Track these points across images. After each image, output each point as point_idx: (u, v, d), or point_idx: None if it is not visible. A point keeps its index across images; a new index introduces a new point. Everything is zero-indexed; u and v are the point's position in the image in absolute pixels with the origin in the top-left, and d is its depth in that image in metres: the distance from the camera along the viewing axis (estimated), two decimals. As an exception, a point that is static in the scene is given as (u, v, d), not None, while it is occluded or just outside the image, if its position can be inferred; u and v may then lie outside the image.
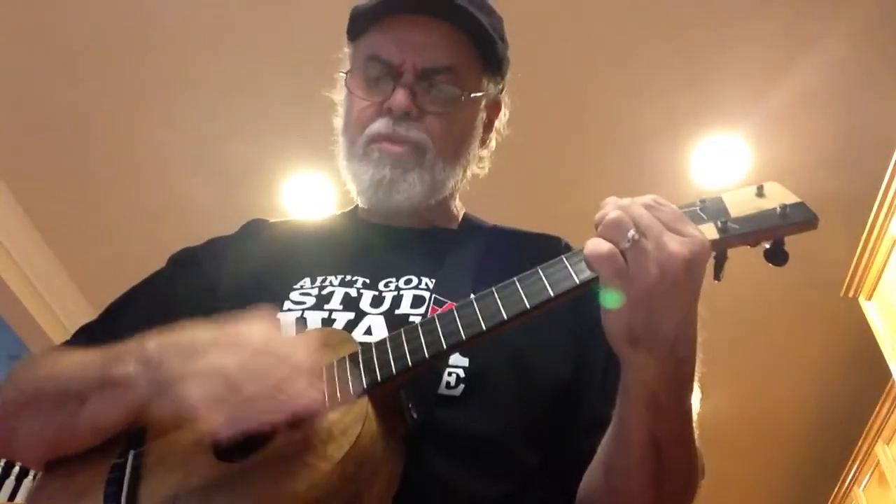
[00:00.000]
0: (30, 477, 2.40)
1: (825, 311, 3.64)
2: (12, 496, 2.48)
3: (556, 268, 0.74)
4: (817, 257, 3.39)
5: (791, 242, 0.73)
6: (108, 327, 1.00)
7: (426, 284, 0.97)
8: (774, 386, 4.20)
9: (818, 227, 0.72)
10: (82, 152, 3.09)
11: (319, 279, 0.99)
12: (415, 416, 0.78)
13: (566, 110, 2.95)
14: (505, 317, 0.72)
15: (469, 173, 1.13)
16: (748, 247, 0.74)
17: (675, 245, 0.68)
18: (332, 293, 0.96)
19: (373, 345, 0.77)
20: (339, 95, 1.14)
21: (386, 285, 0.97)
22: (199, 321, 0.79)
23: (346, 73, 1.10)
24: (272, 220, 1.16)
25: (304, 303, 0.95)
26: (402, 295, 0.95)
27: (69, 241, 3.45)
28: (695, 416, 0.80)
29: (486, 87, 1.10)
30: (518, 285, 0.74)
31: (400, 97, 1.02)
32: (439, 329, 0.74)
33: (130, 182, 3.19)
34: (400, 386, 0.77)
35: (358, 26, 1.09)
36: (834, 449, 4.14)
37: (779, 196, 0.73)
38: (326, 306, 0.94)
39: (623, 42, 2.79)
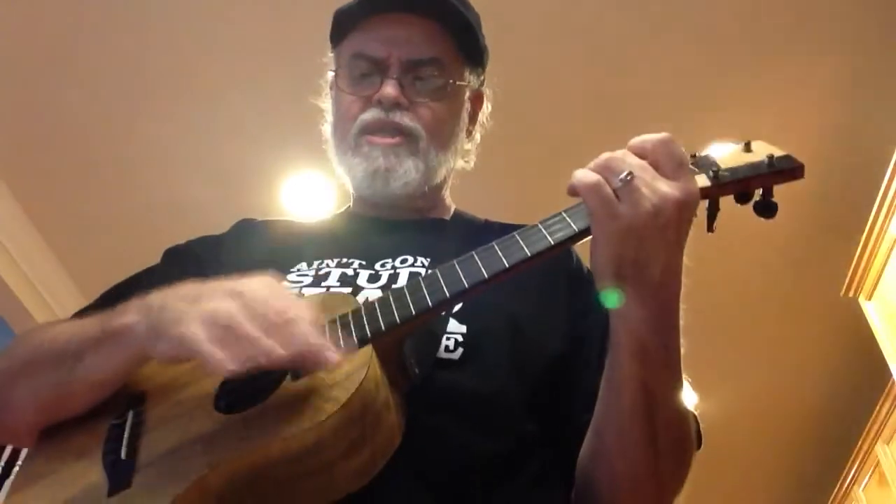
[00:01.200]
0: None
1: (825, 311, 3.64)
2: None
3: (554, 219, 0.76)
4: (817, 257, 3.40)
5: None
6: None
7: (422, 263, 0.97)
8: (774, 386, 4.20)
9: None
10: (82, 152, 3.08)
11: (316, 262, 1.00)
12: (417, 371, 0.79)
13: (567, 111, 2.96)
14: (506, 264, 0.74)
15: (458, 164, 1.14)
16: (739, 205, 0.76)
17: (666, 187, 0.70)
18: (328, 273, 0.97)
19: (375, 300, 0.78)
20: (325, 102, 1.16)
21: (382, 265, 0.98)
22: (198, 280, 0.77)
23: (333, 73, 1.12)
24: (261, 219, 1.17)
25: (301, 282, 0.96)
26: (398, 273, 0.96)
27: (69, 241, 3.44)
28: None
29: (469, 79, 1.13)
30: (518, 237, 0.76)
31: (389, 88, 1.04)
32: (441, 280, 0.76)
33: (130, 182, 3.19)
34: (402, 341, 0.78)
35: (341, 29, 1.11)
36: (834, 449, 4.14)
37: (766, 150, 0.76)
38: (324, 283, 0.95)
39: (624, 47, 2.79)
